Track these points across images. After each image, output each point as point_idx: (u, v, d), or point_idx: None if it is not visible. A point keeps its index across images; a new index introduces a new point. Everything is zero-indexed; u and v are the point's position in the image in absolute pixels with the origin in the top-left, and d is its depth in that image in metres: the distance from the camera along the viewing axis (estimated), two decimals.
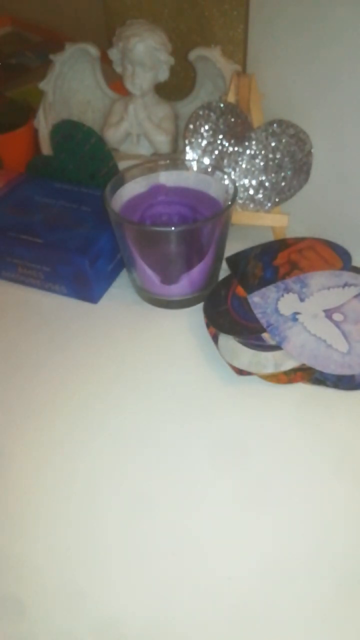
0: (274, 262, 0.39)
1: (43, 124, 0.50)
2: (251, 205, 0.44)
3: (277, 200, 0.44)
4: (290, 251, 0.40)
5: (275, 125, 0.42)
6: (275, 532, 0.28)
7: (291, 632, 0.24)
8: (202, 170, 0.40)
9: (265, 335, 0.34)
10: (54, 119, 0.50)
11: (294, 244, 0.41)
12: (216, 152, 0.43)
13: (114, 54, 0.47)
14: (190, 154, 0.44)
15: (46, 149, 0.50)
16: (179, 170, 0.40)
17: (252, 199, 0.44)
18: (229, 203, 0.36)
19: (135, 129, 0.49)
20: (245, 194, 0.44)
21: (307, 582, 0.26)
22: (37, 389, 0.35)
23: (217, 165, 0.43)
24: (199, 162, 0.41)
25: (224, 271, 0.41)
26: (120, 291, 0.42)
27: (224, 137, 0.43)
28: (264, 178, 0.43)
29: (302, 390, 0.34)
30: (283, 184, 0.43)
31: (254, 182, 0.43)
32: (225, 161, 0.43)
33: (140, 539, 0.27)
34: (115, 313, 0.40)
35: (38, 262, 0.40)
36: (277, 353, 0.34)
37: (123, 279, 0.43)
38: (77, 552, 0.27)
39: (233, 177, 0.43)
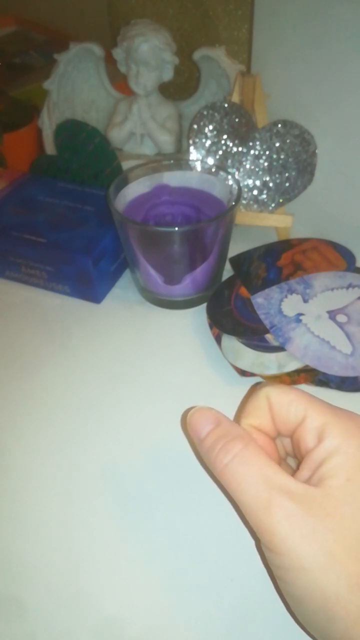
0: (278, 262, 0.39)
1: (47, 123, 0.50)
2: (255, 206, 0.44)
3: (281, 200, 0.43)
4: (294, 252, 0.40)
5: (279, 125, 0.41)
6: None
7: (293, 633, 0.24)
8: (206, 170, 0.40)
9: (268, 336, 0.34)
10: (58, 119, 0.50)
11: (298, 244, 0.40)
12: (220, 152, 0.43)
13: (118, 53, 0.47)
14: (194, 154, 0.44)
15: (50, 148, 0.51)
16: (183, 170, 0.40)
17: (256, 199, 0.44)
18: (233, 203, 0.35)
19: (139, 128, 0.49)
20: (249, 194, 0.44)
21: None
22: (40, 389, 0.35)
23: (221, 166, 0.43)
24: (202, 162, 0.41)
25: (228, 272, 0.41)
26: (123, 291, 0.42)
27: (228, 137, 0.43)
28: (268, 178, 0.43)
29: (306, 391, 0.33)
30: (287, 184, 0.43)
31: (258, 183, 0.43)
32: (229, 161, 0.43)
33: (142, 539, 0.27)
34: (118, 313, 0.40)
35: (41, 261, 0.40)
36: (280, 354, 0.34)
37: (126, 279, 0.43)
38: (77, 552, 0.27)
39: (237, 177, 0.43)
